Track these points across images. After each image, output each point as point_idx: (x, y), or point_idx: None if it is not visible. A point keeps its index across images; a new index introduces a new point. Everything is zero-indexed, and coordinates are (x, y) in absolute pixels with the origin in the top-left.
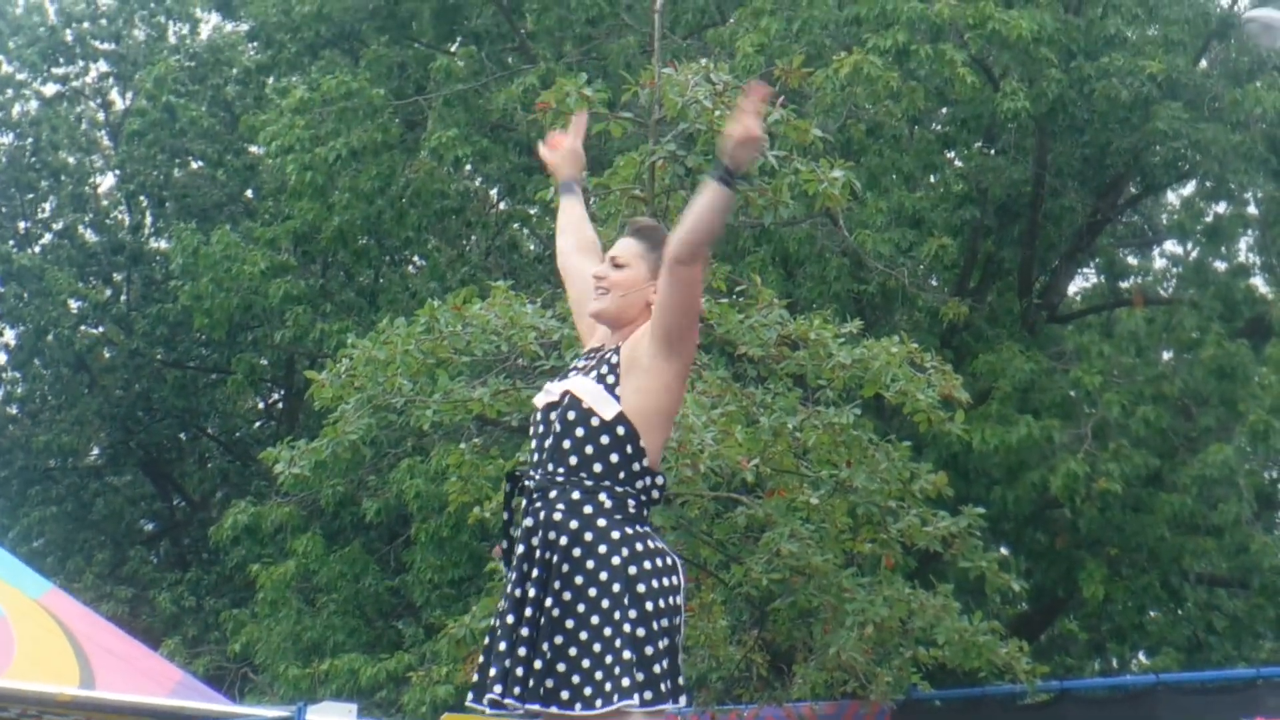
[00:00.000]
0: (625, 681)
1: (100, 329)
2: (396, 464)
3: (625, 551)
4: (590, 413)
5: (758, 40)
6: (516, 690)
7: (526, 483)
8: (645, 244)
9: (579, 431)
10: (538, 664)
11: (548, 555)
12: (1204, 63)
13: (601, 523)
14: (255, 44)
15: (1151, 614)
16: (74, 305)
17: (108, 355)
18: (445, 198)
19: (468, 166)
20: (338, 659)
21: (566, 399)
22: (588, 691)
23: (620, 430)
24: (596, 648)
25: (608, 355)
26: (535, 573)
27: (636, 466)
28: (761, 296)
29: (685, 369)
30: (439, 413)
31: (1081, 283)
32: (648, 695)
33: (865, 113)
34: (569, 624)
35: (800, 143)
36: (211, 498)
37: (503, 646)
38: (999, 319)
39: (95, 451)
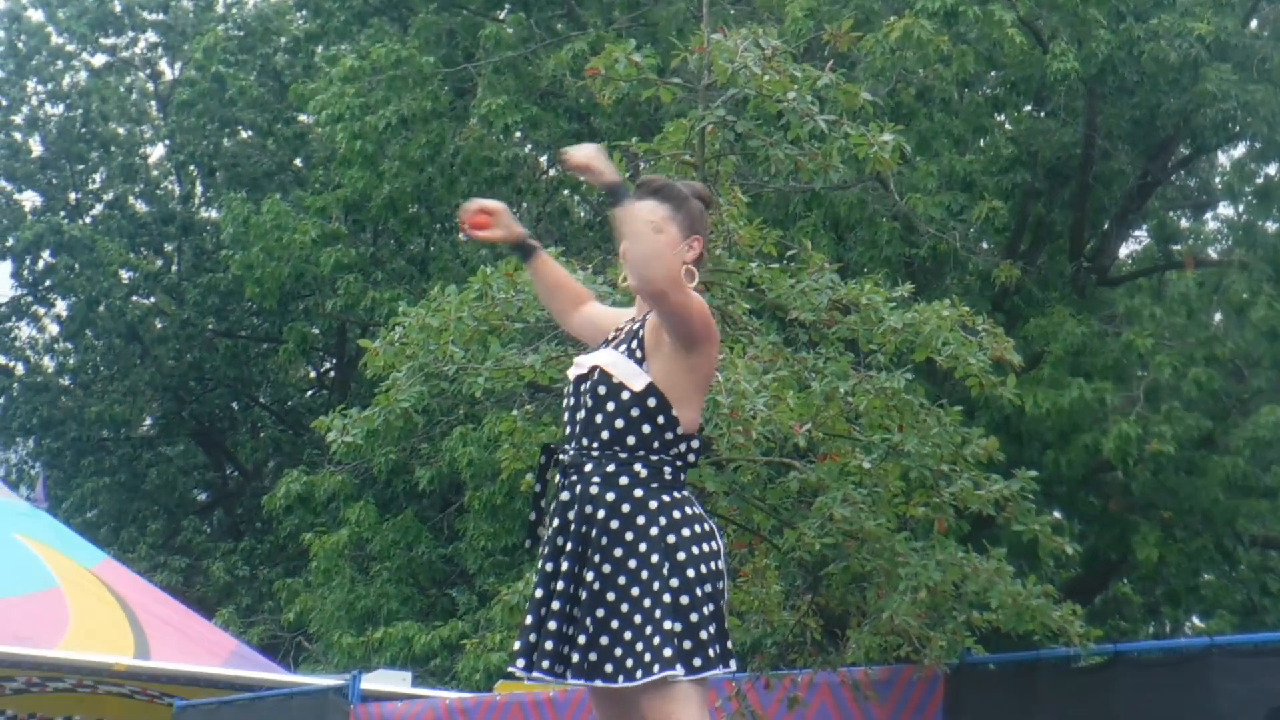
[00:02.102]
0: (667, 651)
1: (152, 299)
2: (449, 432)
3: (663, 520)
4: (621, 386)
5: (807, 5)
6: (545, 664)
7: (561, 456)
8: (670, 204)
9: (610, 405)
10: (581, 639)
11: (584, 529)
12: (1254, 23)
13: (638, 493)
14: (304, 12)
15: (1205, 577)
16: (125, 276)
17: (159, 325)
18: (495, 165)
19: (517, 133)
20: (391, 627)
21: (596, 373)
22: (629, 663)
23: (651, 402)
24: (637, 619)
25: (635, 328)
26: (570, 546)
27: (670, 435)
28: (812, 261)
29: (714, 352)
30: (491, 380)
31: (1132, 245)
32: (696, 662)
33: (915, 76)
34: (610, 597)
35: (850, 107)
36: (264, 467)
37: (529, 620)
38: (1050, 282)
39: (148, 422)
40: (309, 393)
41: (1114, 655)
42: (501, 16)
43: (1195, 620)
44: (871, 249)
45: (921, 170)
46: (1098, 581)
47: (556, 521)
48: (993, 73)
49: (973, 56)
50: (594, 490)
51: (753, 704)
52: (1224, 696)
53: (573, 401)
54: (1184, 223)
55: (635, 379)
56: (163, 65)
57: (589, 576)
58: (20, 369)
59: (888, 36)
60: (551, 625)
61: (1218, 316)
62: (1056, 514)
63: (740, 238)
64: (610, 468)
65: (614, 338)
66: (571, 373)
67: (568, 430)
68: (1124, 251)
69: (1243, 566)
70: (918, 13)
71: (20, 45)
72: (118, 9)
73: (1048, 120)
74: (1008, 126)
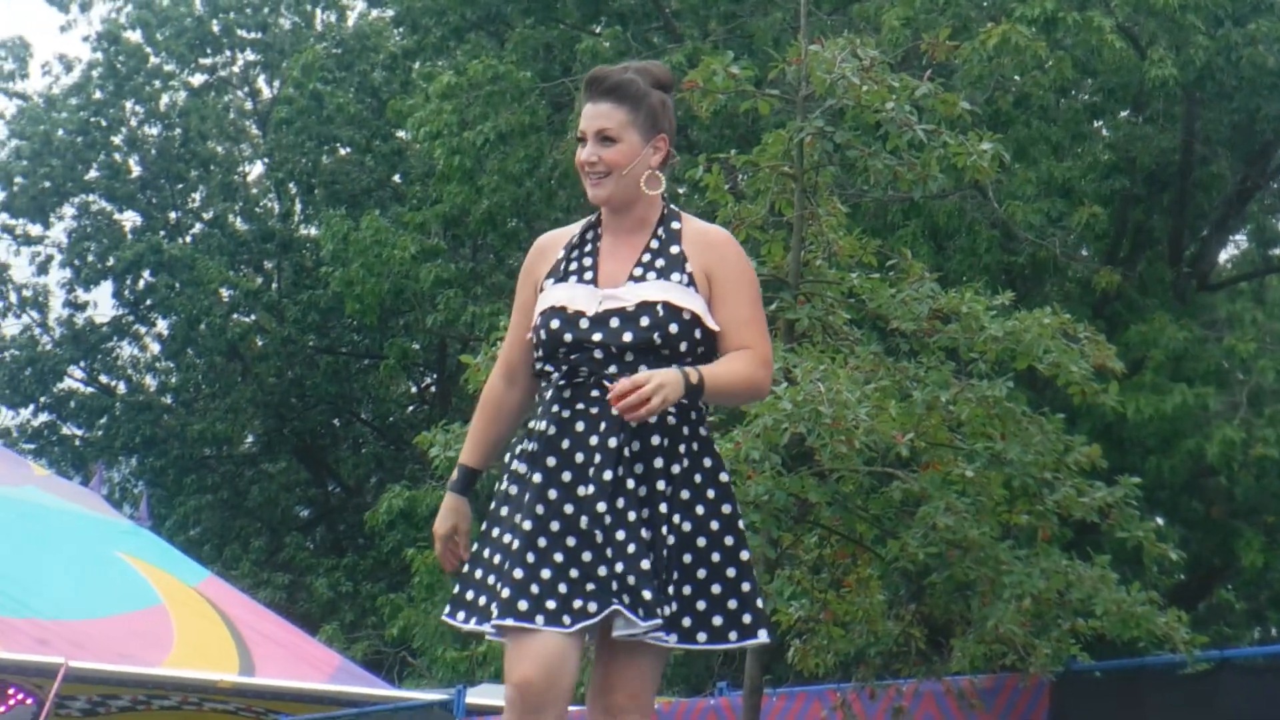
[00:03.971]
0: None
1: (252, 317)
2: None
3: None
4: (687, 315)
5: (904, 14)
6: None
7: (592, 390)
8: (627, 105)
9: (673, 328)
10: (686, 591)
11: (660, 463)
12: None
13: (703, 432)
14: (401, 29)
15: None
16: (225, 294)
17: (260, 343)
18: None
19: None
20: (497, 642)
21: (661, 307)
22: (747, 619)
23: (698, 331)
24: (733, 572)
25: (675, 261)
26: (635, 488)
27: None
28: (912, 270)
29: None
30: None
31: (1232, 250)
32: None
33: (1013, 84)
34: (702, 543)
35: (948, 116)
36: (366, 483)
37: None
38: (1150, 288)
39: (249, 439)
40: (410, 408)
41: (1220, 661)
42: (598, 30)
43: None
44: (971, 257)
45: (1020, 177)
46: (1202, 587)
47: (579, 456)
48: (1090, 79)
49: (1070, 63)
50: (664, 429)
51: (857, 714)
52: None
53: (614, 324)
54: None
55: (693, 301)
56: (261, 84)
57: (684, 525)
58: (122, 388)
59: (985, 44)
60: (645, 566)
61: None
62: (1159, 520)
63: (840, 248)
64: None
65: (637, 272)
66: (587, 305)
67: (599, 354)
68: (1224, 256)
69: None
70: (1015, 19)
71: (119, 66)
72: (216, 28)
73: (1146, 126)
74: (1106, 133)
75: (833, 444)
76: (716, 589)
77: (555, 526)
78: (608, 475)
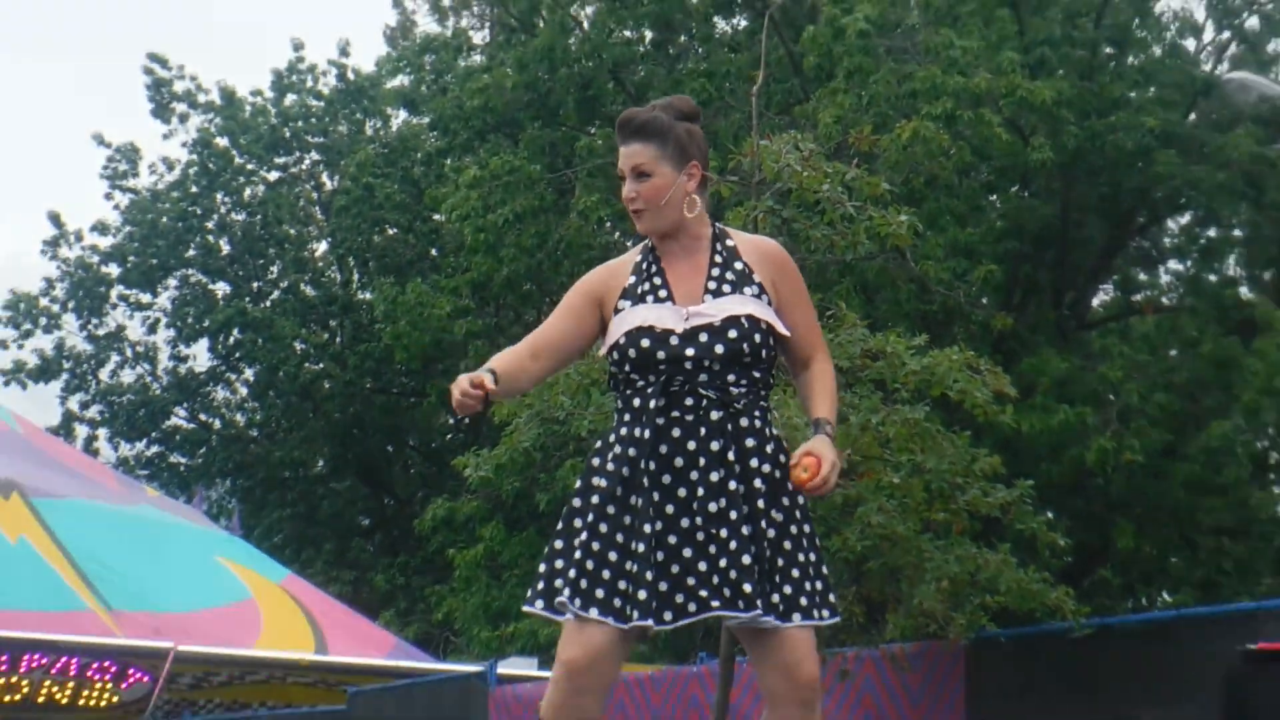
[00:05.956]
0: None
1: (320, 365)
2: (561, 464)
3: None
4: (764, 325)
5: (835, 114)
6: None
7: (685, 398)
8: (655, 140)
9: (756, 338)
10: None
11: (755, 463)
12: (1193, 116)
13: (776, 432)
14: (435, 133)
15: (1172, 560)
16: (298, 347)
17: (327, 386)
18: (591, 249)
19: (609, 224)
20: (521, 623)
21: (745, 320)
22: (830, 597)
23: (772, 339)
24: (813, 557)
25: (746, 276)
26: (736, 488)
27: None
28: (846, 319)
29: None
30: (593, 422)
31: (1103, 296)
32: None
33: (923, 167)
34: (794, 531)
35: (872, 194)
36: (414, 496)
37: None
38: (1038, 328)
39: (320, 463)
40: (449, 436)
41: (1100, 627)
42: (592, 130)
43: (1165, 596)
44: (894, 307)
45: (931, 242)
46: (1085, 568)
47: (679, 461)
48: (985, 162)
49: (968, 150)
50: (754, 436)
51: None
52: (1190, 657)
53: (704, 339)
54: (1143, 277)
55: (773, 316)
56: (324, 178)
57: (778, 516)
58: (217, 424)
59: (900, 136)
60: (746, 561)
61: (1173, 352)
62: (1049, 514)
63: None
64: (761, 406)
65: (712, 287)
66: (675, 323)
67: (689, 367)
68: (1096, 301)
69: (1201, 551)
70: (924, 116)
71: (210, 166)
72: (287, 134)
73: (1031, 199)
74: (999, 205)
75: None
76: (805, 571)
77: (651, 528)
78: (714, 477)
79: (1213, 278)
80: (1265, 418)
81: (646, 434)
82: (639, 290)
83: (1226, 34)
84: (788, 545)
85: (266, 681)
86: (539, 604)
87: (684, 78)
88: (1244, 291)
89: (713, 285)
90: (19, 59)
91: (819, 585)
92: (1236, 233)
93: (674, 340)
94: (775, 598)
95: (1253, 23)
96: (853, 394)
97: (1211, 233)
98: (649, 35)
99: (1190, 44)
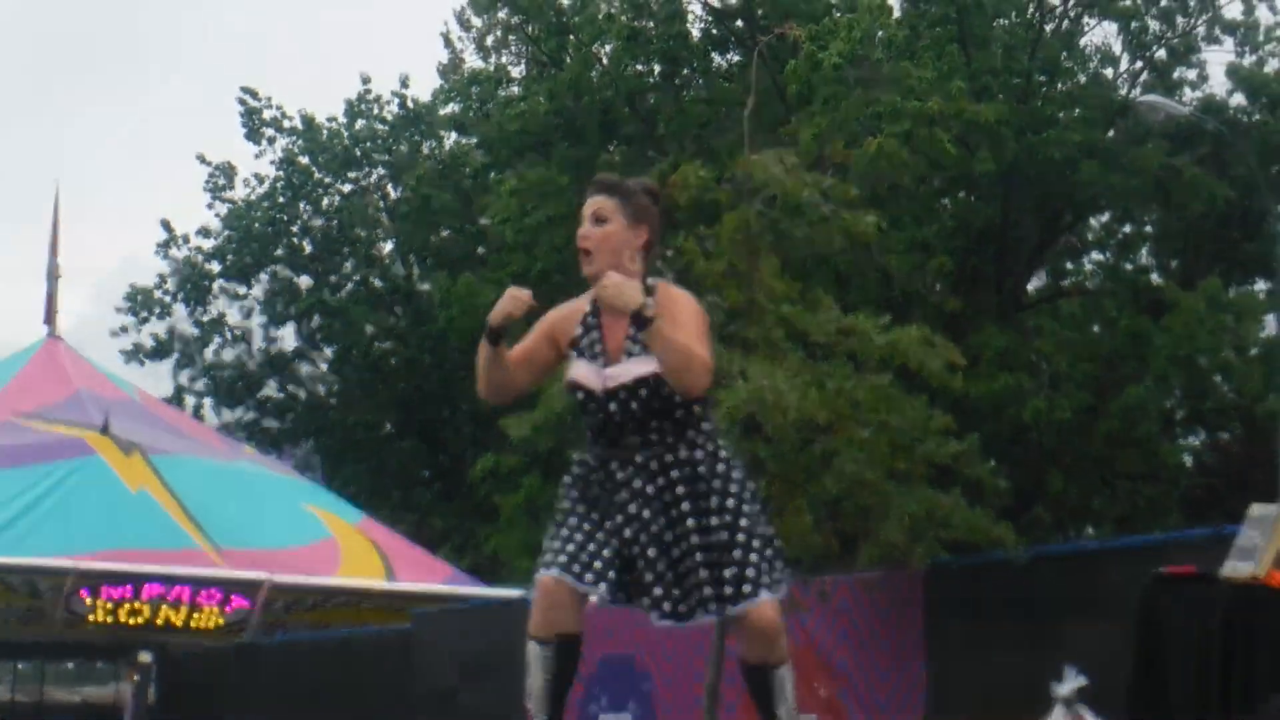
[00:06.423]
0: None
1: (387, 345)
2: None
3: (741, 473)
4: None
5: (813, 132)
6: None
7: (626, 452)
8: (617, 197)
9: (664, 391)
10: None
11: (682, 490)
12: (1112, 132)
13: (718, 450)
14: (481, 150)
15: (1095, 501)
16: (369, 330)
17: (393, 362)
18: None
19: None
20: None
21: (652, 379)
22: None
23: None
24: (755, 543)
25: (635, 336)
26: (684, 505)
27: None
28: (823, 303)
29: None
30: None
31: (1036, 282)
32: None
33: (887, 177)
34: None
35: (844, 199)
36: (466, 453)
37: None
38: (983, 309)
39: (388, 426)
40: None
41: (1036, 556)
42: (611, 148)
43: (1089, 530)
44: (862, 293)
45: (893, 238)
46: (1023, 507)
47: (638, 483)
48: (939, 172)
49: (924, 162)
50: (682, 461)
51: (797, 598)
52: (1110, 580)
53: (623, 398)
54: (1070, 266)
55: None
56: (389, 189)
57: (713, 521)
58: (303, 394)
59: (868, 151)
60: (665, 572)
61: (1095, 328)
62: (993, 463)
63: (775, 289)
64: (689, 434)
65: (626, 346)
66: (594, 382)
67: (618, 419)
68: (1031, 286)
69: (1120, 494)
70: (887, 135)
71: (294, 180)
72: (358, 153)
73: (976, 202)
74: (949, 208)
75: (774, 419)
76: (746, 555)
77: (601, 530)
78: (634, 510)
79: (1129, 266)
80: (1172, 383)
81: (595, 463)
82: (581, 343)
83: (1140, 64)
84: (724, 537)
85: (345, 605)
86: (540, 572)
87: (688, 104)
88: (1154, 278)
89: (629, 344)
90: (135, 99)
91: (765, 562)
92: (1148, 229)
93: (597, 398)
94: (708, 590)
95: (1161, 54)
96: (829, 364)
97: (1127, 229)
98: (658, 69)
99: (1109, 72)
